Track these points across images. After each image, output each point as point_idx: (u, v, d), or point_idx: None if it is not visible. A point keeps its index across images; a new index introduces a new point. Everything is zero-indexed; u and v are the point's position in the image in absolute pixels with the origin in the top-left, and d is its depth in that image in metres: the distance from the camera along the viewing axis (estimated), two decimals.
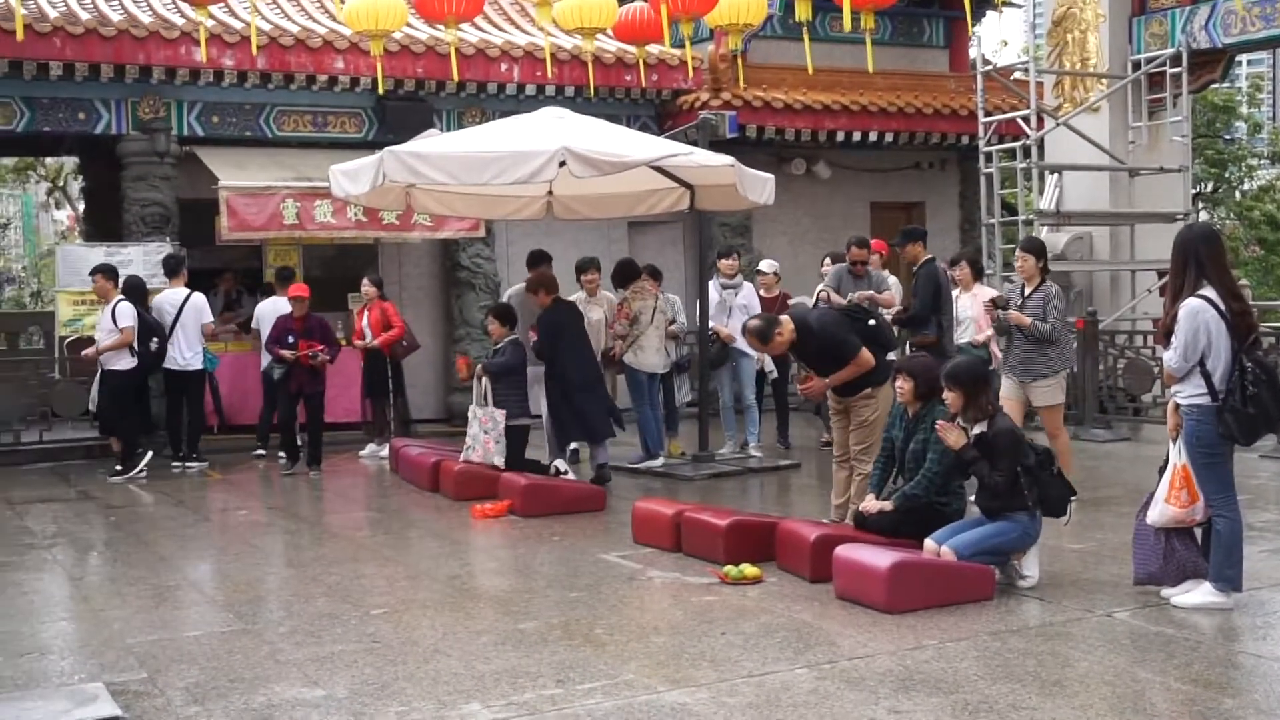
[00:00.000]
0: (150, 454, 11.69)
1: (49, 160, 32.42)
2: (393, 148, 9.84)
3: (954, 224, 18.11)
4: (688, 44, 10.93)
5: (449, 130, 14.18)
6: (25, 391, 13.20)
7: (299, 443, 11.88)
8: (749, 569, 7.04)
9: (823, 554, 6.82)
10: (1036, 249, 9.43)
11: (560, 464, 10.41)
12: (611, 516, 9.13)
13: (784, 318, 8.14)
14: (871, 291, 11.20)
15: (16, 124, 13.42)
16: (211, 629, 6.40)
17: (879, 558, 6.44)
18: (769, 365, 12.18)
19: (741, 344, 11.03)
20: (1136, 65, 14.97)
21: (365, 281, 12.90)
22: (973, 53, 17.47)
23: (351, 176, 10.09)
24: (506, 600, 6.89)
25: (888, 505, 7.05)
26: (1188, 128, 15.05)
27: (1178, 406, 6.26)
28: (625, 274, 11.53)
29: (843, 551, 6.66)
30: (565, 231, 14.61)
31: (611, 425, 10.51)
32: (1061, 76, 15.48)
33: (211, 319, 12.64)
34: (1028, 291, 9.26)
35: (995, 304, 9.37)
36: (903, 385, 7.13)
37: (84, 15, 13.29)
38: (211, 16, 12.55)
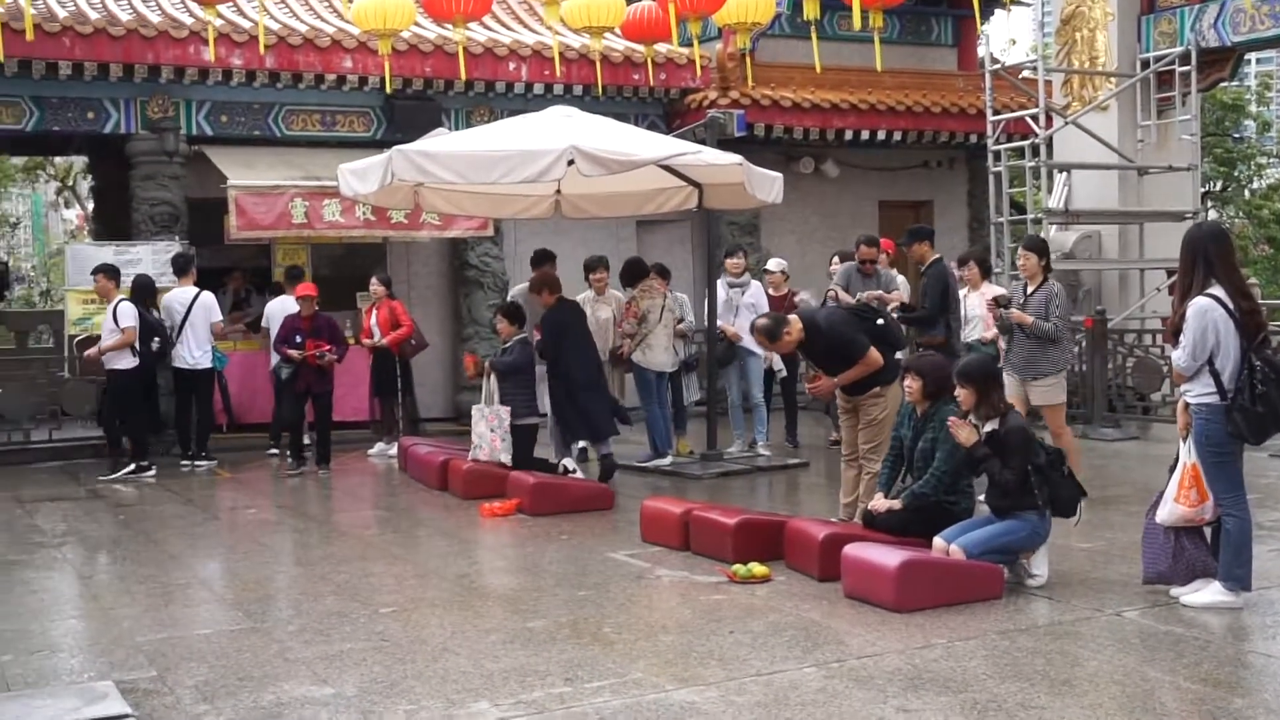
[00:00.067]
0: (134, 467, 11.50)
1: (58, 159, 32.55)
2: (401, 147, 9.83)
3: (962, 223, 18.10)
4: (696, 43, 10.89)
5: (457, 129, 14.18)
6: (35, 390, 13.22)
7: (306, 442, 11.90)
8: (757, 568, 7.04)
9: (831, 553, 6.81)
10: (1039, 247, 9.40)
11: (569, 462, 10.43)
12: (620, 515, 9.13)
13: (792, 316, 8.16)
14: (880, 290, 11.18)
15: (26, 123, 13.46)
16: (221, 627, 6.42)
17: (888, 556, 6.43)
18: (778, 364, 12.19)
19: (749, 342, 11.05)
20: (1145, 64, 14.94)
21: (374, 280, 12.93)
22: (981, 51, 17.41)
23: (360, 175, 10.09)
24: (515, 599, 6.90)
25: (896, 504, 7.05)
26: (1197, 126, 15.00)
27: (1187, 405, 6.24)
28: (633, 273, 11.54)
29: (851, 550, 6.65)
30: (573, 230, 14.61)
31: (615, 424, 10.52)
32: (1070, 75, 15.44)
33: (220, 318, 12.68)
34: (1030, 290, 9.24)
35: (998, 302, 9.35)
36: (911, 384, 7.13)
37: (93, 15, 13.31)
38: (220, 16, 12.58)
